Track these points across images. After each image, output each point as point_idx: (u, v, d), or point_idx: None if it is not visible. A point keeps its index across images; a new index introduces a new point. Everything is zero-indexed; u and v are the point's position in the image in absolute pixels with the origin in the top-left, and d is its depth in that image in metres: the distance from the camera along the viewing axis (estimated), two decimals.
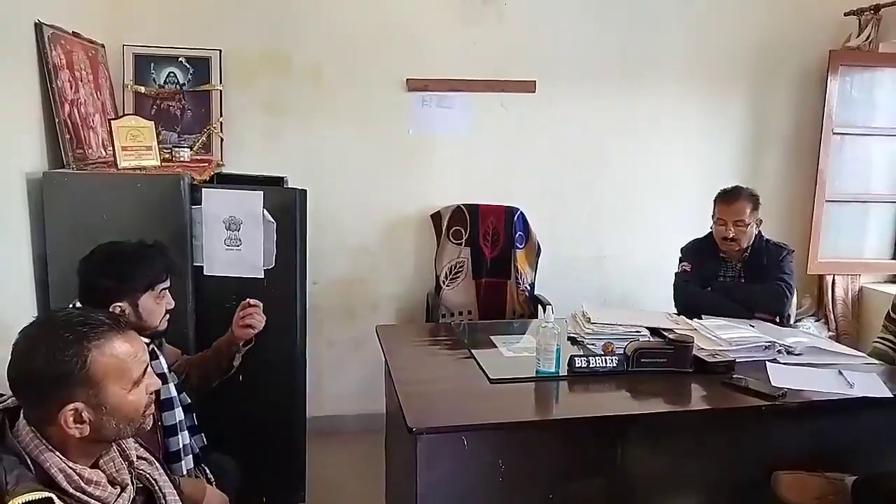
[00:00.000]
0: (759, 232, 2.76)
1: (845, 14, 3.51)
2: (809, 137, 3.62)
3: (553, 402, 2.02)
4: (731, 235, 2.68)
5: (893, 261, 3.76)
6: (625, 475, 1.89)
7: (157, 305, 1.79)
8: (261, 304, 2.05)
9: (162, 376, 1.82)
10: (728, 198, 2.72)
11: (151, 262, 1.79)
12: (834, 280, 3.71)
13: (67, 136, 2.34)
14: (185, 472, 1.81)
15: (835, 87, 3.50)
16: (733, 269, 2.78)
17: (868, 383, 2.05)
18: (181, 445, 1.84)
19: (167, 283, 1.83)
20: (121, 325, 1.20)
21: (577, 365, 2.07)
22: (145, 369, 1.21)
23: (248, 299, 2.06)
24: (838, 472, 1.92)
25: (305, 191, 2.50)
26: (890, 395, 1.97)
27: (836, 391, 1.99)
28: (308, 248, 2.55)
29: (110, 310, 1.68)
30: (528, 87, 3.38)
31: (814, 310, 3.78)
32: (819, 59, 3.55)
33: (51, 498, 1.04)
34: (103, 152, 2.58)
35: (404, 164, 3.38)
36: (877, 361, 2.31)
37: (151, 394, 1.23)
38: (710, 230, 2.80)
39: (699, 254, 2.83)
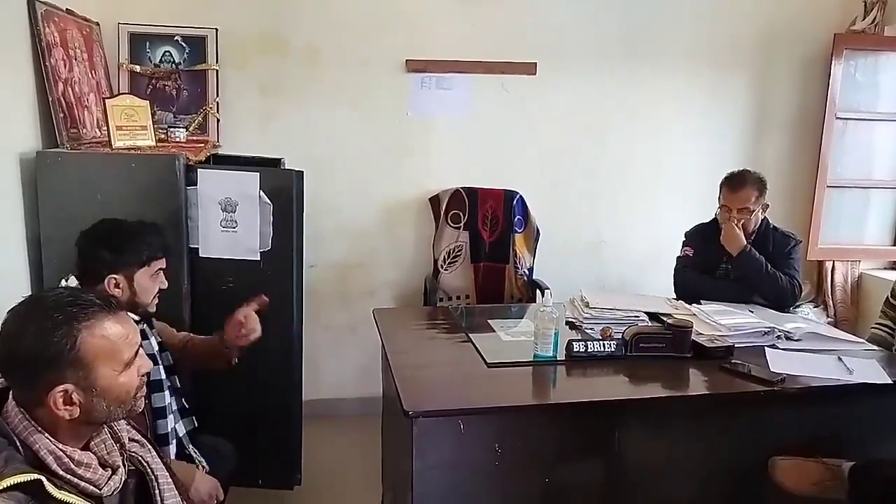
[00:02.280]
0: (766, 218, 2.73)
1: None
2: (812, 122, 3.58)
3: (550, 387, 2.01)
4: (734, 223, 2.65)
5: (894, 247, 3.74)
6: (622, 460, 1.89)
7: (151, 283, 1.82)
8: (251, 314, 1.93)
9: (152, 357, 1.82)
10: (733, 184, 2.68)
11: (149, 239, 1.82)
12: (834, 266, 3.70)
13: (61, 116, 2.31)
14: (171, 457, 1.81)
15: (839, 72, 3.46)
16: None
17: (867, 369, 2.04)
18: (169, 429, 1.84)
19: (163, 263, 1.86)
20: (112, 306, 1.18)
21: (575, 349, 2.05)
22: (137, 351, 1.20)
23: (240, 314, 1.94)
24: (836, 458, 1.92)
25: (302, 172, 2.47)
26: (889, 381, 1.96)
27: (835, 377, 1.98)
28: (305, 231, 2.53)
29: (106, 282, 1.72)
30: (529, 69, 3.34)
31: (813, 296, 3.77)
32: (823, 43, 3.51)
33: (40, 480, 1.03)
34: (98, 132, 2.55)
35: (403, 146, 3.34)
36: (876, 347, 2.30)
37: (143, 376, 1.22)
38: (716, 214, 2.77)
39: (703, 238, 2.80)
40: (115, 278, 1.74)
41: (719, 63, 3.52)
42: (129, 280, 1.76)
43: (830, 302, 3.71)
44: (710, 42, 3.49)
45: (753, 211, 2.64)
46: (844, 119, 3.55)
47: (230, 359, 2.00)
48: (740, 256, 2.61)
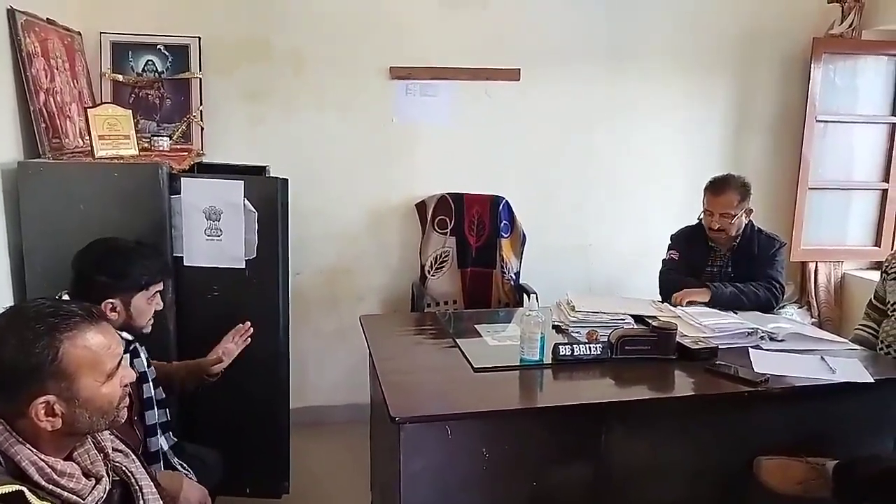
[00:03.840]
0: (751, 221, 2.75)
1: (829, 1, 3.51)
2: (793, 125, 3.62)
3: (537, 391, 2.01)
4: (716, 227, 2.68)
5: (875, 248, 3.78)
6: (609, 462, 1.89)
7: (147, 306, 1.80)
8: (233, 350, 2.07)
9: (143, 375, 1.80)
10: (716, 189, 2.70)
11: (149, 263, 1.81)
12: (817, 267, 3.73)
13: (43, 126, 2.30)
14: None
15: (818, 75, 3.50)
16: (722, 258, 2.78)
17: (850, 369, 2.06)
18: (159, 447, 1.83)
19: (160, 286, 1.84)
20: (94, 316, 1.17)
21: (561, 353, 2.06)
22: (119, 361, 1.19)
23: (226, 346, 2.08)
24: (820, 457, 1.93)
25: (287, 180, 2.47)
26: (871, 380, 1.98)
27: (818, 377, 2.00)
28: (291, 239, 2.53)
29: (102, 306, 1.68)
30: (513, 74, 3.36)
31: (797, 296, 3.80)
32: (802, 47, 3.55)
33: (22, 491, 1.02)
34: (80, 142, 2.54)
35: (388, 152, 3.35)
36: (858, 347, 2.33)
37: (126, 386, 1.21)
38: (699, 218, 2.79)
39: (688, 241, 2.83)
40: (111, 302, 1.72)
41: (701, 67, 3.55)
42: (127, 304, 1.75)
43: (814, 302, 3.74)
44: (691, 46, 3.52)
45: (736, 215, 2.66)
46: (824, 121, 3.59)
47: (201, 383, 2.04)
48: (712, 299, 2.57)
